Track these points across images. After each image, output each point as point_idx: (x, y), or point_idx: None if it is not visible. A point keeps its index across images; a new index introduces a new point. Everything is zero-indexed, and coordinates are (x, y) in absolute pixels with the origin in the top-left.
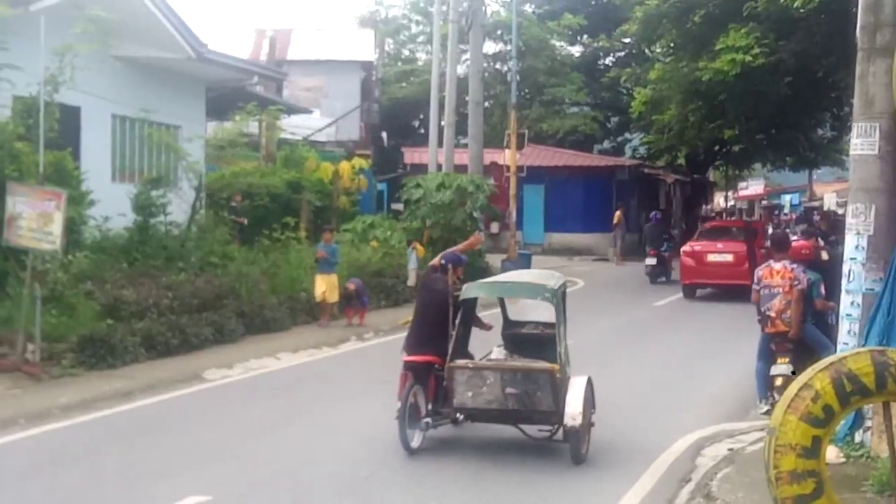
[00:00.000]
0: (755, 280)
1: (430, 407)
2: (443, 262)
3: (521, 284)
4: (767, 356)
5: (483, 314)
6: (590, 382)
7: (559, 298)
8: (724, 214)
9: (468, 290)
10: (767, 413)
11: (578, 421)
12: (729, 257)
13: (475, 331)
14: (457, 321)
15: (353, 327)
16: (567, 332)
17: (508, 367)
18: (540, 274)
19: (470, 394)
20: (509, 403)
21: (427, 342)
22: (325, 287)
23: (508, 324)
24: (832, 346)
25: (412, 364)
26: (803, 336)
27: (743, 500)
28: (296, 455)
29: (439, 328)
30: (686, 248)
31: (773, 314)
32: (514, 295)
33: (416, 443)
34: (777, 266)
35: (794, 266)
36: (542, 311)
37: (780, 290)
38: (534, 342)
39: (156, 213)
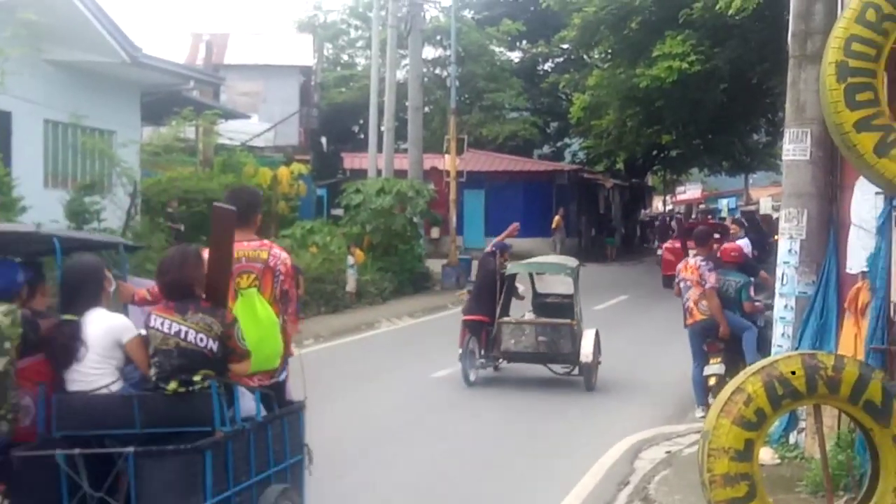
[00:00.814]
0: (676, 272)
1: (482, 352)
2: (493, 248)
3: (551, 264)
4: (701, 359)
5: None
6: (597, 334)
7: (576, 274)
8: (668, 219)
9: (511, 269)
10: (703, 419)
11: (590, 359)
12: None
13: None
14: (503, 291)
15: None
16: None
17: (540, 322)
18: (561, 258)
19: (513, 341)
20: (541, 348)
21: (481, 306)
22: None
23: (536, 295)
24: (753, 325)
25: (470, 322)
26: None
27: (680, 503)
28: None
29: (490, 296)
30: (668, 244)
31: (691, 304)
32: (545, 271)
33: (472, 377)
34: (691, 261)
35: (702, 264)
36: (561, 285)
37: (691, 283)
38: (555, 307)
39: (89, 219)
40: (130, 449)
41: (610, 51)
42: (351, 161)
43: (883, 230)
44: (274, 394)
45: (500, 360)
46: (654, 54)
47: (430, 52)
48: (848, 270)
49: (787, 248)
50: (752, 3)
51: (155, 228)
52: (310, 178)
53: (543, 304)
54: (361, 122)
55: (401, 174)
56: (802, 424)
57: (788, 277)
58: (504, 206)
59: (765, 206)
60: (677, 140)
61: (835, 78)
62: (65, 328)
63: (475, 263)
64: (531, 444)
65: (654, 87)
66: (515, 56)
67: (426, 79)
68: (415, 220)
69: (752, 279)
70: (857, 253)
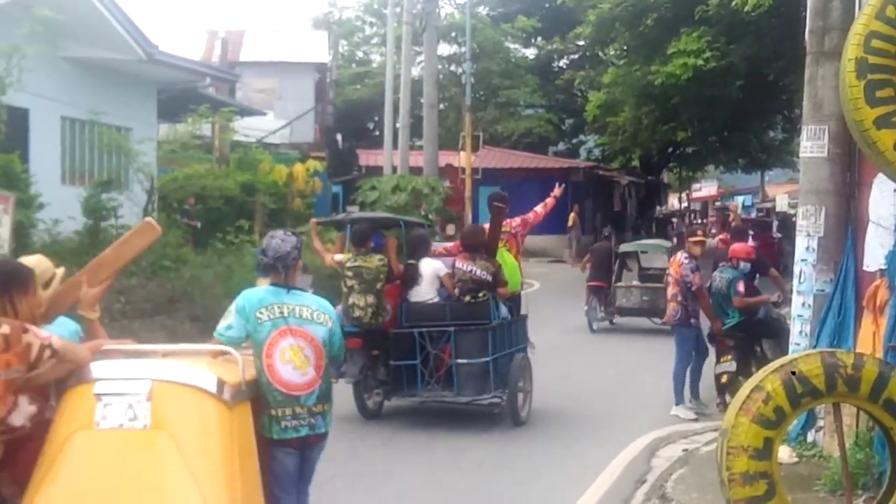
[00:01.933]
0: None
1: (602, 308)
2: (606, 233)
3: (651, 244)
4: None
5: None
6: None
7: (670, 252)
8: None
9: (623, 248)
10: (683, 417)
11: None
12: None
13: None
14: (617, 264)
15: None
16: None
17: (644, 287)
18: (657, 241)
19: (624, 300)
20: (644, 305)
21: (600, 275)
22: None
23: (641, 268)
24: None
25: (593, 286)
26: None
27: (697, 501)
28: None
29: (607, 268)
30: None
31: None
32: (648, 250)
33: (595, 327)
34: (678, 257)
35: (685, 262)
36: (658, 261)
37: (671, 280)
38: (655, 276)
39: (106, 216)
40: (452, 328)
41: (625, 48)
42: (366, 158)
43: None
44: (513, 305)
45: (615, 315)
46: (669, 51)
47: (445, 49)
48: (865, 268)
49: (805, 245)
50: (768, 0)
51: (172, 225)
52: (325, 174)
53: (646, 274)
54: (377, 118)
55: (416, 171)
56: (820, 423)
57: (806, 275)
58: (519, 203)
59: (781, 203)
60: (693, 137)
61: (854, 75)
62: (409, 268)
63: None
64: (547, 441)
65: (669, 84)
66: (530, 53)
67: (441, 76)
68: (430, 216)
69: (743, 274)
70: (875, 250)
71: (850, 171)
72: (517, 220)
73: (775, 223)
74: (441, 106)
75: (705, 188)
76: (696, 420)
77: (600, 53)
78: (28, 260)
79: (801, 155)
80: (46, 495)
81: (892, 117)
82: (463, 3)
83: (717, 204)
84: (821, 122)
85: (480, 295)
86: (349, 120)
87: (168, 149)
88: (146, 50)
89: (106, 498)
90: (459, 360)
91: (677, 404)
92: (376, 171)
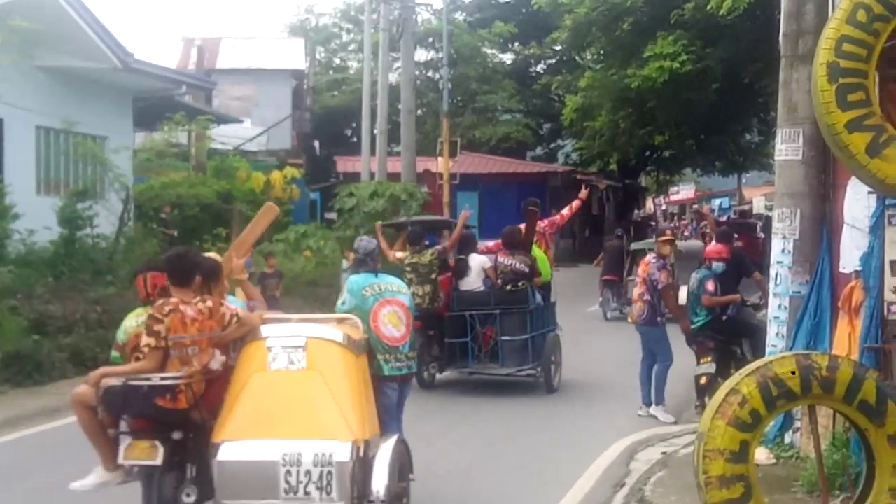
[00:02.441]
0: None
1: (615, 299)
2: (618, 233)
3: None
4: (643, 357)
5: None
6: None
7: (676, 248)
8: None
9: (634, 245)
10: (662, 419)
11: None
12: (739, 243)
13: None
14: (629, 260)
15: None
16: None
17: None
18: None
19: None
20: None
21: (613, 269)
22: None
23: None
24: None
25: (606, 280)
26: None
27: None
28: None
29: (619, 263)
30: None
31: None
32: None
33: (608, 315)
34: (647, 258)
35: (653, 261)
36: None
37: (637, 280)
38: None
39: (82, 225)
40: (497, 311)
41: (602, 52)
42: (344, 164)
43: (876, 229)
44: (545, 293)
45: (626, 306)
46: (645, 55)
47: (422, 55)
48: (841, 270)
49: (781, 247)
50: (744, 3)
51: (148, 234)
52: (303, 181)
53: None
54: (354, 125)
55: (394, 177)
56: (798, 424)
57: (782, 277)
58: (498, 208)
59: (758, 205)
60: (670, 140)
61: (826, 79)
62: (459, 262)
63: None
64: (526, 446)
65: (646, 87)
66: (508, 58)
67: (419, 81)
68: None
69: (715, 273)
70: (851, 252)
71: (825, 173)
72: (545, 222)
73: (759, 224)
74: (419, 112)
75: (683, 191)
76: (674, 423)
77: (577, 58)
78: (214, 256)
79: (776, 158)
80: (236, 416)
81: (863, 121)
82: (440, 10)
83: (695, 207)
84: (795, 125)
85: (520, 284)
86: (326, 126)
87: (144, 157)
88: (121, 58)
89: (276, 416)
90: (503, 338)
91: (657, 404)
92: (354, 177)
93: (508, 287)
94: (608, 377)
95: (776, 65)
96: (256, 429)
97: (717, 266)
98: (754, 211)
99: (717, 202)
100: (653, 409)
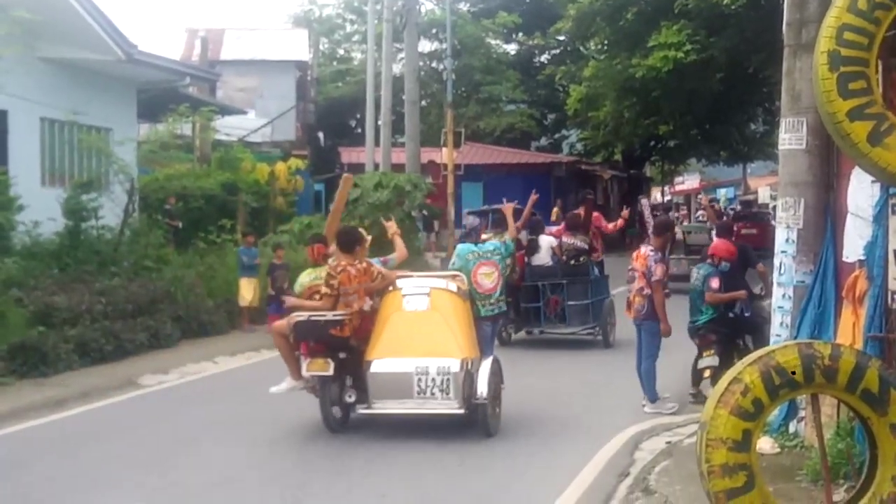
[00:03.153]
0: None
1: None
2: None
3: (695, 226)
4: (638, 351)
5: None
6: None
7: (709, 231)
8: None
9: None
10: (665, 412)
11: None
12: (754, 230)
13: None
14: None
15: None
16: None
17: (689, 258)
18: (699, 223)
19: (675, 269)
20: (688, 272)
21: None
22: (251, 291)
23: (686, 245)
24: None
25: None
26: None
27: (680, 493)
28: (235, 461)
29: None
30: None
31: (630, 296)
32: (692, 230)
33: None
34: (643, 251)
35: (651, 254)
36: (700, 238)
37: (637, 273)
38: (696, 250)
39: (87, 217)
40: (564, 281)
41: (606, 42)
42: (348, 155)
43: (879, 218)
44: (600, 268)
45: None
46: (649, 44)
47: (426, 46)
48: (845, 259)
49: (785, 237)
50: None
51: (153, 225)
52: (307, 173)
53: (690, 249)
54: (358, 116)
55: (398, 168)
56: (802, 413)
57: (786, 267)
58: (502, 199)
59: (763, 195)
60: (675, 130)
61: (827, 67)
62: (531, 242)
63: None
64: (530, 436)
65: (650, 77)
66: (512, 48)
67: (422, 72)
68: (412, 213)
69: (721, 272)
70: (855, 241)
71: (829, 162)
72: (597, 214)
73: (771, 213)
74: (423, 102)
75: (688, 181)
76: (676, 412)
77: (581, 48)
78: (358, 228)
79: (779, 147)
80: (381, 342)
81: (865, 109)
82: (443, 0)
83: (700, 196)
84: (799, 115)
85: (581, 259)
86: (331, 118)
87: (148, 149)
88: (125, 50)
89: (409, 342)
90: (569, 303)
91: (652, 401)
92: (358, 168)
93: (572, 262)
94: (613, 367)
95: (780, 54)
96: (396, 350)
97: (725, 265)
98: (759, 201)
99: (721, 192)
100: (651, 408)
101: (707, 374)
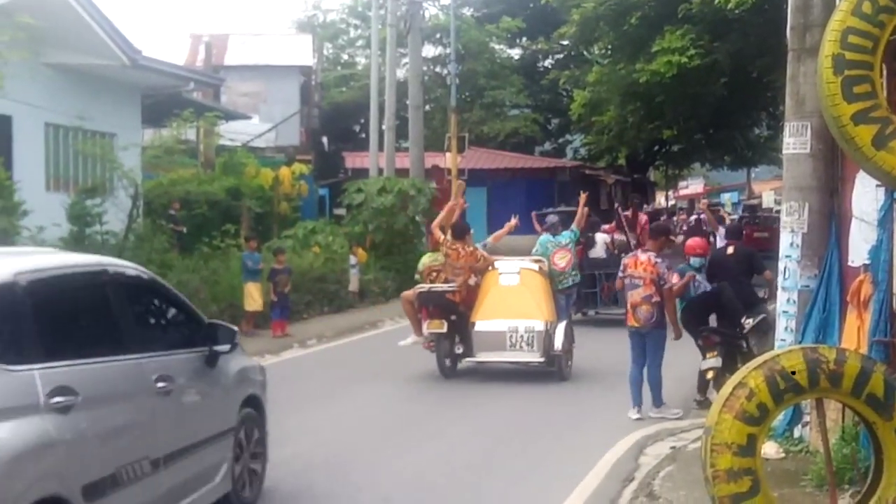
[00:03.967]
0: (621, 268)
1: None
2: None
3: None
4: (635, 358)
5: None
6: None
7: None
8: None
9: None
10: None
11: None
12: (766, 234)
13: None
14: None
15: (285, 338)
16: None
17: None
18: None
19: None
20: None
21: None
22: (256, 296)
23: None
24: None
25: None
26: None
27: (685, 498)
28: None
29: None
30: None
31: (629, 306)
32: None
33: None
34: (643, 257)
35: (658, 262)
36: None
37: (641, 282)
38: None
39: (91, 222)
40: (616, 270)
41: (609, 46)
42: (352, 160)
43: (884, 222)
44: None
45: None
46: (653, 49)
47: (429, 51)
48: (850, 263)
49: (789, 241)
50: None
51: (157, 231)
52: (311, 177)
53: None
54: (362, 121)
55: (402, 173)
56: (807, 418)
57: (790, 271)
58: (506, 204)
59: (767, 199)
60: (679, 135)
61: (832, 71)
62: (588, 238)
63: None
64: (534, 441)
65: (654, 81)
66: (515, 53)
67: (426, 77)
68: (416, 218)
69: (694, 268)
70: (859, 245)
71: (834, 166)
72: (644, 215)
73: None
74: (427, 107)
75: (692, 186)
76: (681, 417)
77: (585, 53)
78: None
79: (784, 151)
80: (483, 308)
81: (869, 113)
82: (447, 5)
83: (704, 201)
84: (803, 119)
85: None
86: (335, 122)
87: (153, 154)
88: (129, 55)
89: (504, 308)
90: None
91: (657, 406)
92: (362, 173)
93: (622, 254)
94: (618, 371)
95: (784, 58)
96: (494, 314)
97: (695, 261)
98: (763, 205)
99: (726, 196)
100: (655, 412)
101: (710, 375)
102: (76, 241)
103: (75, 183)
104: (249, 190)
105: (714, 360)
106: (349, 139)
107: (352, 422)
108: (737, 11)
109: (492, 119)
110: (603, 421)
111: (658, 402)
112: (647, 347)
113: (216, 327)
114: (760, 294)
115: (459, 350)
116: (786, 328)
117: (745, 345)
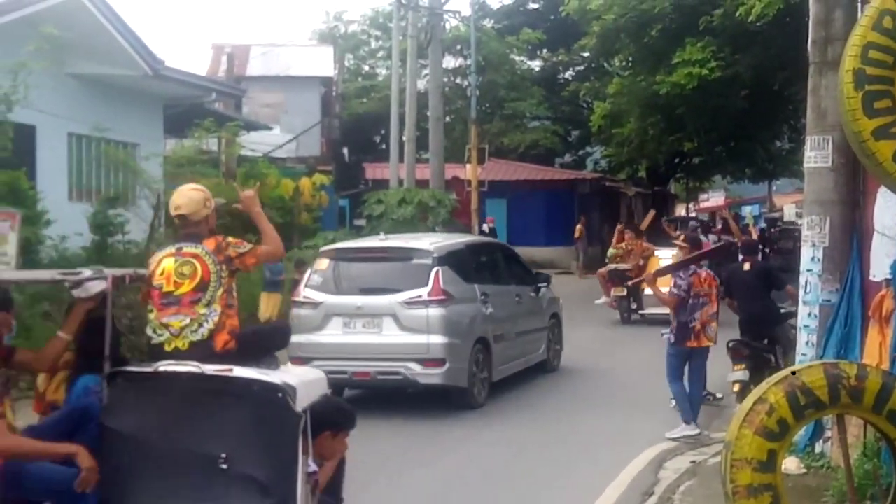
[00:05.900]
0: (681, 287)
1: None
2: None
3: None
4: (677, 374)
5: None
6: None
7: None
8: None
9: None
10: (698, 436)
11: None
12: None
13: None
14: None
15: None
16: None
17: None
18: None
19: None
20: None
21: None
22: (270, 307)
23: None
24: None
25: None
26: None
27: None
28: None
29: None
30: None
31: (697, 326)
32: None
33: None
34: (703, 273)
35: (712, 273)
36: None
37: (708, 298)
38: None
39: (114, 231)
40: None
41: (630, 58)
42: (373, 171)
43: None
44: None
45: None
46: (674, 61)
47: (450, 62)
48: (871, 278)
49: (811, 255)
50: (773, 10)
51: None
52: (332, 188)
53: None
54: (383, 132)
55: (422, 184)
56: (828, 434)
57: (812, 285)
58: (526, 215)
59: (789, 212)
60: (699, 147)
61: (852, 86)
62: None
63: None
64: (554, 454)
65: (674, 94)
66: (536, 65)
67: (447, 88)
68: (436, 229)
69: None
70: (881, 260)
71: (855, 180)
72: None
73: None
74: (447, 119)
75: (713, 198)
76: (699, 433)
77: (605, 64)
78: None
79: (805, 165)
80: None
81: (890, 128)
82: (468, 16)
83: (724, 214)
84: (824, 132)
85: None
86: (355, 133)
87: (174, 164)
88: (152, 66)
89: (662, 280)
90: None
91: (687, 423)
92: (383, 184)
93: None
94: (637, 384)
95: (805, 72)
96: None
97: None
98: (785, 218)
99: (747, 209)
100: (677, 431)
101: (736, 388)
102: (98, 251)
103: (98, 193)
104: (270, 200)
105: (741, 374)
106: (370, 150)
107: (366, 432)
108: (758, 24)
109: (512, 130)
110: (623, 434)
111: (695, 416)
112: (696, 363)
113: (539, 275)
114: (785, 306)
115: (634, 306)
116: (807, 343)
117: (773, 359)
